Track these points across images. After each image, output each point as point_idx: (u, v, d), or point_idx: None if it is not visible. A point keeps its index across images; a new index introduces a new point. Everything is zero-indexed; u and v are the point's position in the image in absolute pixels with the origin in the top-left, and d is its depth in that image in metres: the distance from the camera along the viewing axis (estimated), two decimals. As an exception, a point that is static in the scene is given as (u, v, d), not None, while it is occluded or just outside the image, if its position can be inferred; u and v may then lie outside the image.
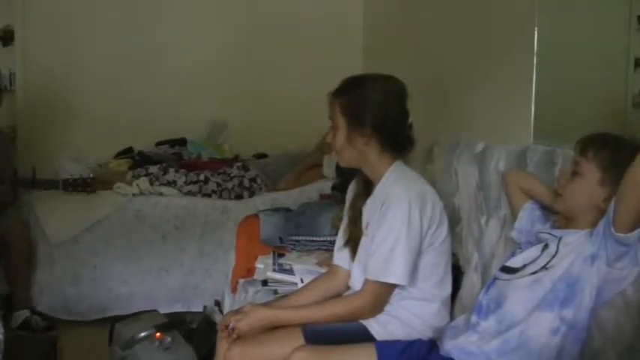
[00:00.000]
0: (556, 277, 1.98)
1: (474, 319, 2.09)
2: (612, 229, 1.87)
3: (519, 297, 2.02)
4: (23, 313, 3.93)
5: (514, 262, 2.12)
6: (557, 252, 2.03)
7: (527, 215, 2.31)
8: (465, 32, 3.44)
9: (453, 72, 3.53)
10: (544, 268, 2.02)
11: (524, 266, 2.07)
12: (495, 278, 2.16)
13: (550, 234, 2.13)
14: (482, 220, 2.71)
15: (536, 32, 2.76)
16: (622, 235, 1.86)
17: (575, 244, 2.02)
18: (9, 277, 4.02)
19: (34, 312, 3.99)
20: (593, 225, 2.01)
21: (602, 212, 1.99)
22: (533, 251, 2.10)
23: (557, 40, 2.89)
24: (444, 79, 3.60)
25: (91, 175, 4.26)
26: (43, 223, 4.18)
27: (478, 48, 3.28)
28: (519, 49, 2.89)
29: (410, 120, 2.39)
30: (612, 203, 1.89)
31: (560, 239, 2.06)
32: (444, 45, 3.68)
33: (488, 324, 2.05)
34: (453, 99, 3.50)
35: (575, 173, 2.10)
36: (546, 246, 2.07)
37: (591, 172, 2.05)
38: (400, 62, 4.06)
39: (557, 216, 2.20)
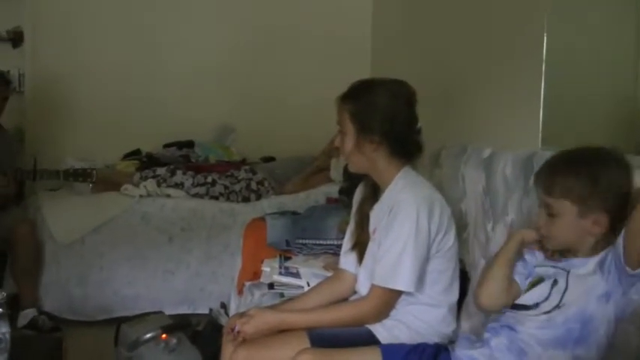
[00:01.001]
0: (570, 315, 1.92)
1: (486, 335, 2.07)
2: (626, 268, 1.80)
3: (532, 331, 1.97)
4: (30, 313, 3.94)
5: (525, 300, 2.04)
6: (567, 288, 1.96)
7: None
8: (472, 37, 3.43)
9: (460, 77, 3.52)
10: (557, 307, 1.95)
11: (537, 305, 1.99)
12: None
13: (555, 267, 2.04)
14: (489, 226, 2.69)
15: (545, 37, 2.75)
16: (638, 271, 1.79)
17: (585, 279, 1.94)
18: (16, 276, 4.03)
19: (40, 312, 4.01)
20: (595, 249, 1.95)
21: (595, 237, 1.93)
22: (543, 288, 2.01)
23: (566, 45, 2.88)
24: (452, 83, 3.60)
25: (92, 167, 4.25)
26: (50, 224, 4.19)
27: (486, 53, 3.28)
28: (528, 54, 2.88)
29: (419, 125, 2.38)
30: (620, 240, 1.82)
31: (568, 273, 1.98)
32: (451, 50, 3.67)
33: (500, 341, 2.02)
34: (460, 104, 3.49)
35: (550, 215, 1.98)
36: (555, 282, 1.99)
37: (565, 210, 1.93)
38: (408, 67, 4.06)
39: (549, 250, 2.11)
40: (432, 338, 2.31)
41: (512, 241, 2.11)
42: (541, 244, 2.08)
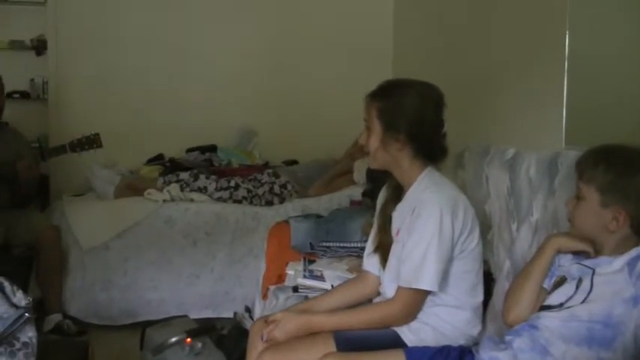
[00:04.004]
0: (594, 312, 1.91)
1: (508, 338, 2.06)
2: None
3: (555, 326, 1.96)
4: (55, 317, 3.97)
5: (550, 301, 2.04)
6: (592, 287, 1.95)
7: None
8: (495, 36, 3.42)
9: (482, 76, 3.51)
10: (581, 303, 1.95)
11: (561, 305, 1.99)
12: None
13: (580, 264, 2.05)
14: (514, 227, 2.68)
15: (567, 36, 2.73)
16: None
17: (611, 279, 1.93)
18: (41, 281, 4.06)
19: (65, 316, 4.04)
20: (620, 248, 1.96)
21: (613, 233, 1.95)
22: (568, 288, 2.02)
23: (590, 43, 2.86)
24: (474, 83, 3.58)
25: (94, 132, 4.27)
26: (75, 230, 4.23)
27: (507, 53, 3.26)
28: (549, 53, 2.86)
29: (445, 129, 2.37)
30: None
31: (594, 272, 1.98)
32: (473, 49, 3.66)
33: (522, 341, 2.01)
34: (483, 104, 3.48)
35: (578, 197, 2.04)
36: (580, 281, 2.00)
37: (591, 195, 1.99)
38: (430, 67, 4.05)
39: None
40: (458, 340, 2.30)
41: (549, 249, 2.12)
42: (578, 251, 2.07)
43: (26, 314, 2.07)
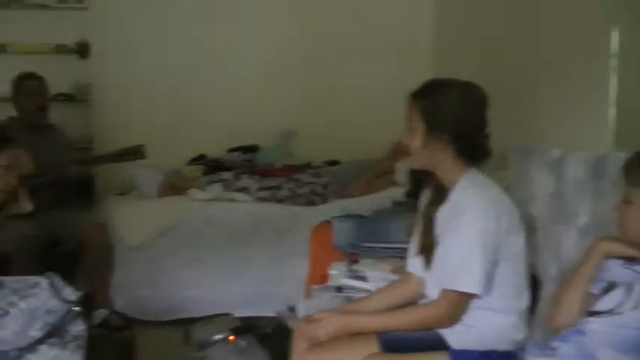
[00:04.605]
0: None
1: (554, 344, 2.03)
2: None
3: (603, 333, 1.92)
4: (102, 312, 4.02)
5: (600, 307, 1.99)
6: None
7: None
8: (536, 34, 3.38)
9: (525, 74, 3.47)
10: (631, 311, 1.91)
11: (611, 311, 1.95)
12: None
13: (630, 269, 2.01)
14: (560, 230, 2.63)
15: (617, 32, 2.68)
16: None
17: None
18: (88, 277, 4.13)
19: (112, 311, 4.10)
20: None
21: None
22: (618, 294, 1.97)
23: None
24: (517, 82, 3.54)
25: (139, 143, 4.30)
26: (119, 227, 4.29)
27: (551, 50, 3.22)
28: (594, 50, 2.82)
29: (488, 130, 2.36)
30: None
31: None
32: (515, 47, 3.62)
33: (569, 347, 1.98)
34: (526, 103, 3.44)
35: (626, 201, 2.00)
36: (630, 287, 1.95)
37: (638, 199, 1.95)
38: (471, 65, 4.02)
39: None
40: (503, 345, 2.27)
41: (596, 254, 2.08)
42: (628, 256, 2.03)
43: (75, 308, 2.10)
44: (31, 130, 4.06)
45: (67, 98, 5.26)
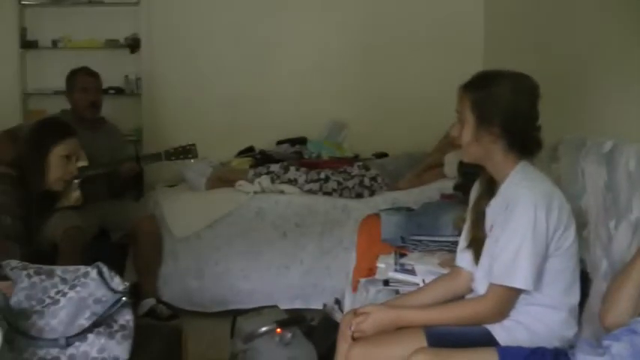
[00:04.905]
0: None
1: (606, 342, 1.98)
2: None
3: None
4: (149, 302, 4.10)
5: None
6: None
7: None
8: (588, 24, 3.30)
9: (577, 66, 3.39)
10: None
11: None
12: None
13: None
14: (612, 224, 2.57)
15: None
16: None
17: None
18: (137, 268, 4.20)
19: (159, 301, 4.17)
20: None
21: None
22: None
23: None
24: (568, 72, 3.46)
25: (191, 142, 4.31)
26: (168, 219, 4.33)
27: (603, 40, 3.13)
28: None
29: (539, 122, 2.31)
30: None
31: None
32: (567, 37, 3.54)
33: (622, 346, 1.92)
34: (578, 94, 3.36)
35: None
36: None
37: None
38: (522, 57, 3.96)
39: None
40: (552, 342, 2.22)
41: None
42: None
43: (123, 298, 2.12)
44: (83, 123, 4.11)
45: (118, 92, 5.35)
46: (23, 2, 5.36)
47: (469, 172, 3.06)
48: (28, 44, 5.42)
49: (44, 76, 5.34)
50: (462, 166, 3.89)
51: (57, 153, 2.86)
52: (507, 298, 2.23)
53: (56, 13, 5.43)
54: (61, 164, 2.87)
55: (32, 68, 5.46)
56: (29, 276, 2.10)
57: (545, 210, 2.17)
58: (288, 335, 2.94)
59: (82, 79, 4.30)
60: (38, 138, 2.91)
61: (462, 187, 3.70)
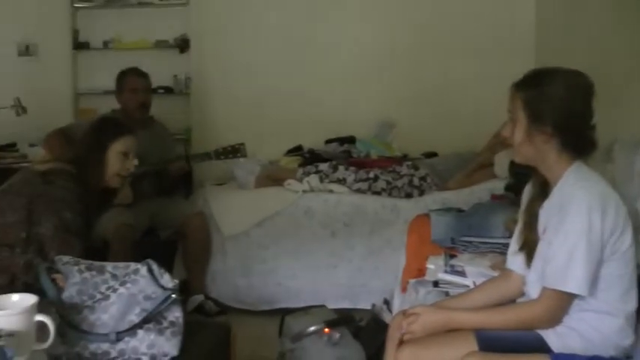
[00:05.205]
0: None
1: None
2: None
3: None
4: (198, 298, 4.12)
5: None
6: None
7: None
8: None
9: (631, 63, 3.32)
10: None
11: None
12: None
13: None
14: (670, 228, 2.51)
15: None
16: None
17: None
18: (186, 264, 4.24)
19: (207, 298, 4.19)
20: None
21: None
22: None
23: None
24: (622, 71, 3.39)
25: (240, 142, 4.33)
26: (217, 217, 4.35)
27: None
28: None
29: (594, 120, 2.25)
30: None
31: None
32: (620, 36, 3.47)
33: None
34: (633, 92, 3.28)
35: None
36: None
37: None
38: (575, 54, 3.90)
39: None
40: (608, 350, 2.15)
41: None
42: None
43: (173, 295, 2.13)
44: (133, 123, 4.15)
45: (167, 91, 5.41)
46: (76, 5, 5.48)
47: (520, 173, 3.01)
48: (80, 45, 5.54)
49: (95, 77, 5.44)
50: (513, 166, 3.83)
51: (115, 149, 2.91)
52: (560, 304, 2.17)
53: (107, 15, 5.53)
54: (119, 160, 2.92)
55: (84, 69, 5.57)
56: (81, 271, 2.12)
57: (600, 212, 2.11)
58: (337, 335, 2.93)
59: (131, 80, 4.33)
60: (98, 134, 2.97)
61: (513, 188, 3.64)
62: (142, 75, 4.40)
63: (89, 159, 2.89)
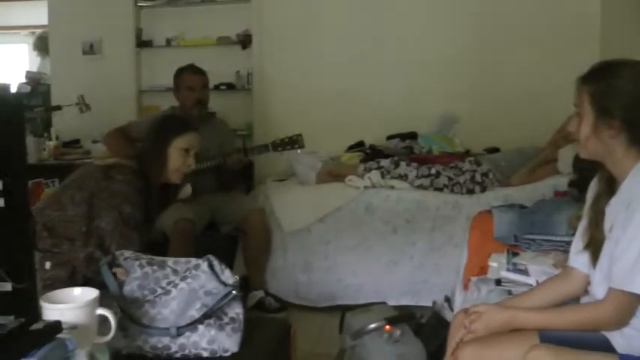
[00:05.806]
0: None
1: None
2: None
3: None
4: (258, 294, 4.15)
5: None
6: None
7: None
8: None
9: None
10: None
11: None
12: None
13: None
14: None
15: None
16: None
17: None
18: (246, 260, 4.26)
19: (267, 294, 4.21)
20: None
21: None
22: None
23: None
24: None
25: (297, 133, 4.34)
26: (278, 213, 4.37)
27: None
28: None
29: None
30: None
31: None
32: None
33: None
34: None
35: None
36: None
37: None
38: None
39: None
40: (677, 356, 2.10)
41: None
42: None
43: (233, 292, 2.14)
44: (191, 119, 4.20)
45: (229, 87, 5.46)
46: (139, 4, 5.59)
47: (585, 168, 2.93)
48: (143, 43, 5.64)
49: (158, 74, 5.54)
50: (577, 161, 3.75)
51: (177, 145, 2.96)
52: (627, 305, 2.10)
53: (170, 13, 5.62)
54: (180, 156, 2.96)
55: (147, 66, 5.67)
56: (141, 266, 2.14)
57: (671, 210, 2.05)
58: (398, 332, 2.91)
59: (188, 78, 4.37)
60: (161, 129, 3.03)
61: (578, 184, 3.55)
62: (198, 72, 4.43)
63: (151, 153, 2.95)
